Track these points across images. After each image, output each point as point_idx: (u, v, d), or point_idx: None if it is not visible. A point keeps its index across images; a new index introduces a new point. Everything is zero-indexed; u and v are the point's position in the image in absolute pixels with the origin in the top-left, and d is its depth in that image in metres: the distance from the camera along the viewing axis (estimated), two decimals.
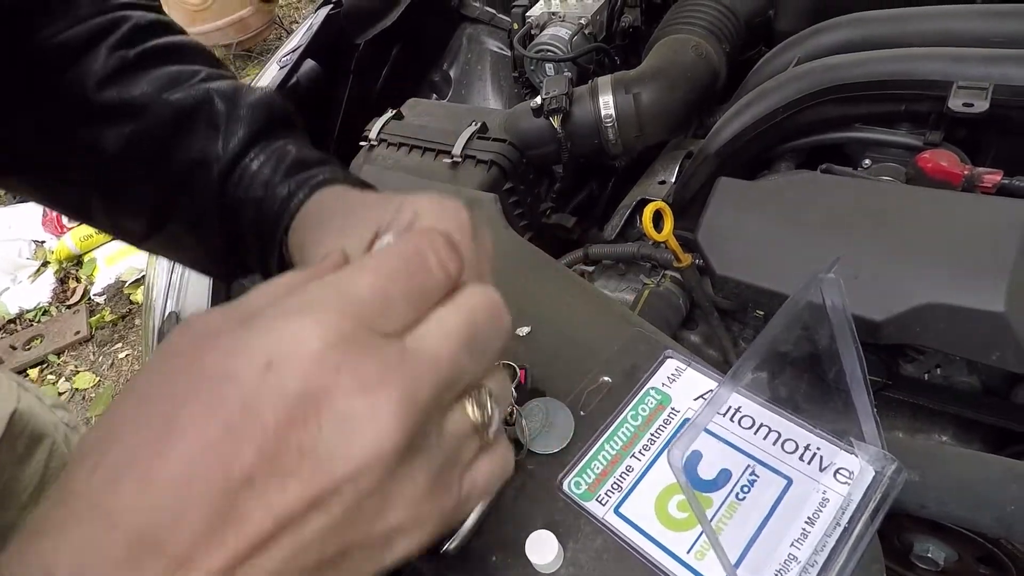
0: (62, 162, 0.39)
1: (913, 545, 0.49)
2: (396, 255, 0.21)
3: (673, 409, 0.38)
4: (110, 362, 1.79)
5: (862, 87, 0.51)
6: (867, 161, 0.56)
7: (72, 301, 1.96)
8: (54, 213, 1.99)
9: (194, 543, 0.16)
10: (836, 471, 0.33)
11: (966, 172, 0.45)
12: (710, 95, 0.67)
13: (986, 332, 0.36)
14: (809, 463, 0.34)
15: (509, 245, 0.52)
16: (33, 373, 1.80)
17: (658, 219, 0.49)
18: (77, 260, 2.03)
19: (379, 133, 0.72)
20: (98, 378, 1.76)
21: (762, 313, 0.50)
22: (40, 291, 1.97)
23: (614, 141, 0.62)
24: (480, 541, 0.33)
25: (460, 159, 0.65)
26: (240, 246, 0.39)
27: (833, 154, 0.57)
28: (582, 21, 0.75)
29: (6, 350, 1.83)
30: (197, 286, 0.67)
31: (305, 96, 0.79)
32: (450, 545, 0.32)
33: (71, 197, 0.41)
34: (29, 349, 1.84)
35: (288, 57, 0.77)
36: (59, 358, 1.83)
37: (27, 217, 2.06)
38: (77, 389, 1.75)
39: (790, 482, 0.33)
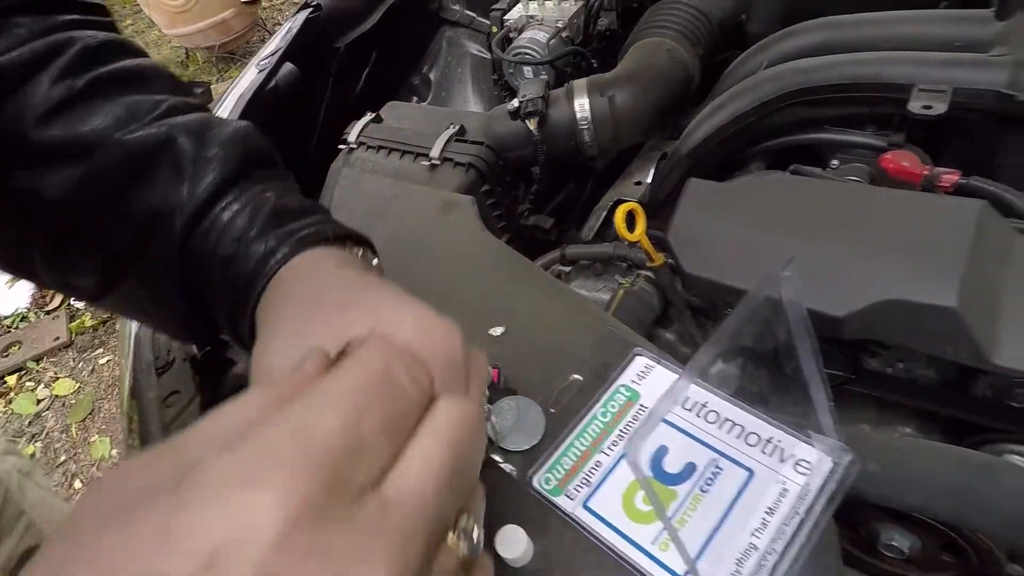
0: None
1: (880, 535, 0.50)
2: (363, 376, 0.18)
3: (642, 405, 0.39)
4: (91, 368, 1.77)
5: (828, 90, 0.53)
6: (835, 162, 0.57)
7: (51, 306, 1.94)
8: None
9: None
10: (796, 463, 0.34)
11: (926, 172, 0.47)
12: (684, 97, 0.68)
13: (940, 327, 0.37)
14: (770, 455, 0.35)
15: (485, 247, 0.53)
16: (11, 380, 1.77)
17: (631, 219, 0.50)
18: None
19: (358, 136, 0.72)
20: (78, 384, 1.74)
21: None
22: (18, 296, 1.94)
23: (590, 143, 0.63)
24: None
25: (438, 162, 0.65)
26: (206, 309, 0.34)
27: (804, 155, 0.59)
28: (559, 24, 0.76)
29: None
30: None
31: (284, 99, 0.79)
32: None
33: (8, 251, 0.35)
34: (7, 356, 1.81)
35: (267, 60, 0.77)
36: (38, 364, 1.80)
37: None
38: (57, 396, 1.72)
39: (752, 474, 0.34)
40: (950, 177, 0.46)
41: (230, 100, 0.74)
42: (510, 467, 0.37)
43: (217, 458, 0.15)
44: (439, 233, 0.56)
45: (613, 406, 0.39)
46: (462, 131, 0.68)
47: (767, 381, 0.36)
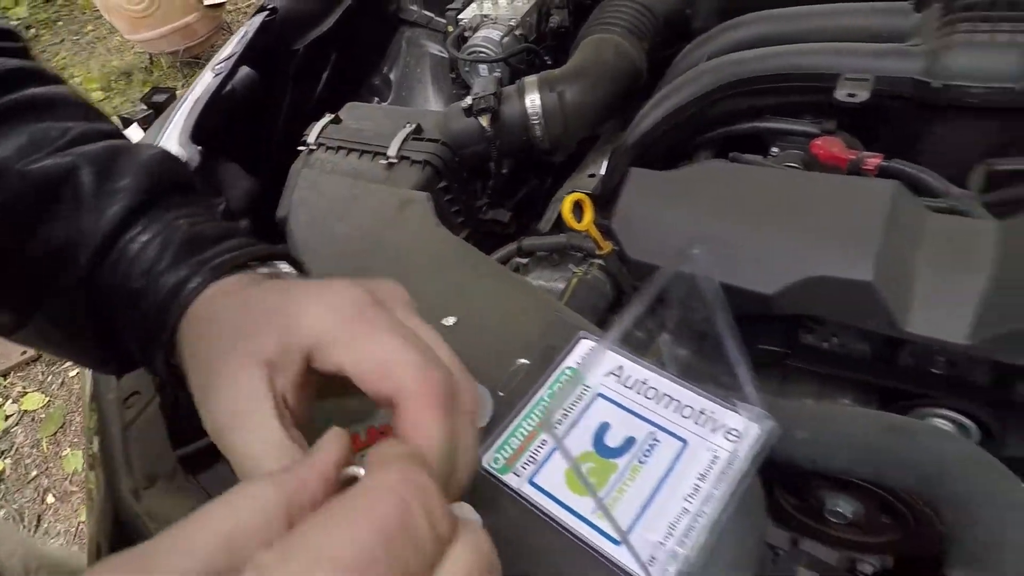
0: None
1: (825, 502, 0.53)
2: (378, 522, 0.17)
3: (585, 385, 0.40)
4: (60, 381, 1.74)
5: (762, 80, 0.55)
6: (775, 149, 0.60)
7: None
8: None
9: None
10: (726, 432, 0.36)
11: (851, 157, 0.50)
12: (632, 91, 0.70)
13: (859, 300, 0.40)
14: (703, 426, 0.37)
15: (439, 242, 0.55)
16: None
17: (578, 210, 0.52)
18: None
19: (317, 137, 0.73)
20: (48, 398, 1.71)
21: None
22: None
23: (541, 137, 0.65)
24: None
25: (395, 160, 0.67)
26: (120, 343, 0.33)
27: (749, 144, 0.61)
28: (512, 23, 0.78)
29: None
30: None
31: (242, 103, 0.79)
32: None
33: None
34: None
35: (223, 64, 0.77)
36: (6, 379, 1.77)
37: None
38: (26, 411, 1.69)
39: (686, 444, 0.36)
40: (873, 160, 0.49)
41: (186, 105, 0.74)
42: None
43: None
44: (396, 230, 0.57)
45: (558, 387, 0.41)
46: (419, 130, 0.69)
47: (700, 357, 0.38)
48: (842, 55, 0.53)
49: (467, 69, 0.81)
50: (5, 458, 1.61)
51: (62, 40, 3.23)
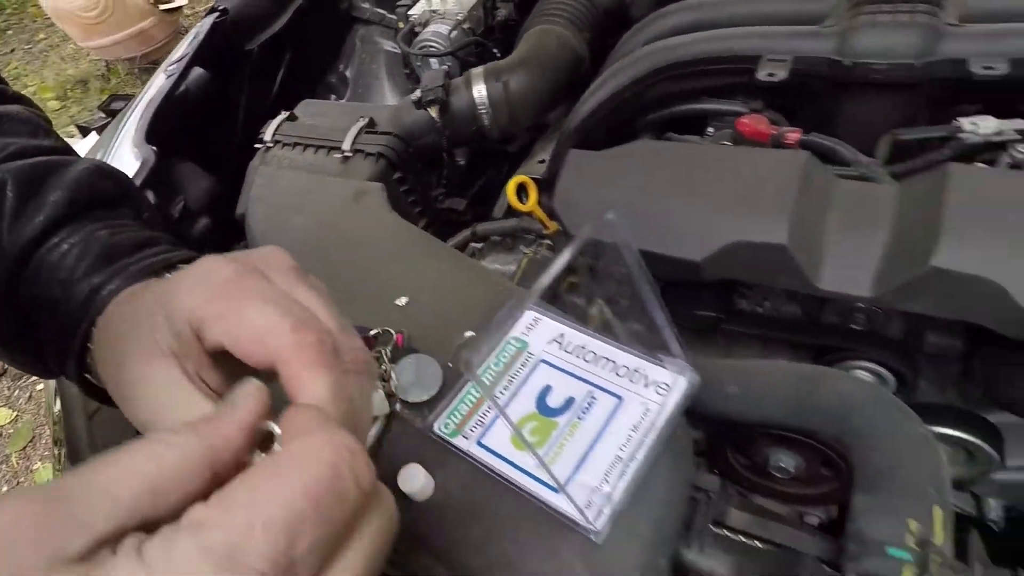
0: None
1: (769, 458, 0.57)
2: (310, 479, 0.17)
3: (529, 353, 0.43)
4: (27, 395, 1.72)
5: (691, 64, 0.59)
6: (710, 129, 0.63)
7: None
8: None
9: None
10: (656, 386, 0.39)
11: (773, 132, 0.53)
12: (575, 79, 0.73)
13: (776, 261, 0.43)
14: (636, 382, 0.40)
15: (392, 229, 0.57)
16: None
17: (522, 192, 0.55)
18: None
19: (274, 135, 0.75)
20: (15, 413, 1.68)
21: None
22: None
23: (490, 126, 0.67)
24: None
25: (350, 154, 0.69)
26: (40, 352, 0.34)
27: (689, 125, 0.65)
28: (459, 17, 0.80)
29: None
30: None
31: (195, 104, 0.80)
32: None
33: None
34: None
35: (175, 66, 0.78)
36: None
37: None
38: None
39: (621, 400, 0.39)
40: (793, 135, 0.53)
41: (140, 107, 0.75)
42: (412, 415, 0.41)
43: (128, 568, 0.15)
44: (351, 220, 0.59)
45: (505, 356, 0.43)
46: (372, 123, 0.71)
47: (629, 318, 0.41)
48: (764, 38, 0.56)
49: (419, 64, 0.83)
50: None
51: (12, 50, 3.14)
